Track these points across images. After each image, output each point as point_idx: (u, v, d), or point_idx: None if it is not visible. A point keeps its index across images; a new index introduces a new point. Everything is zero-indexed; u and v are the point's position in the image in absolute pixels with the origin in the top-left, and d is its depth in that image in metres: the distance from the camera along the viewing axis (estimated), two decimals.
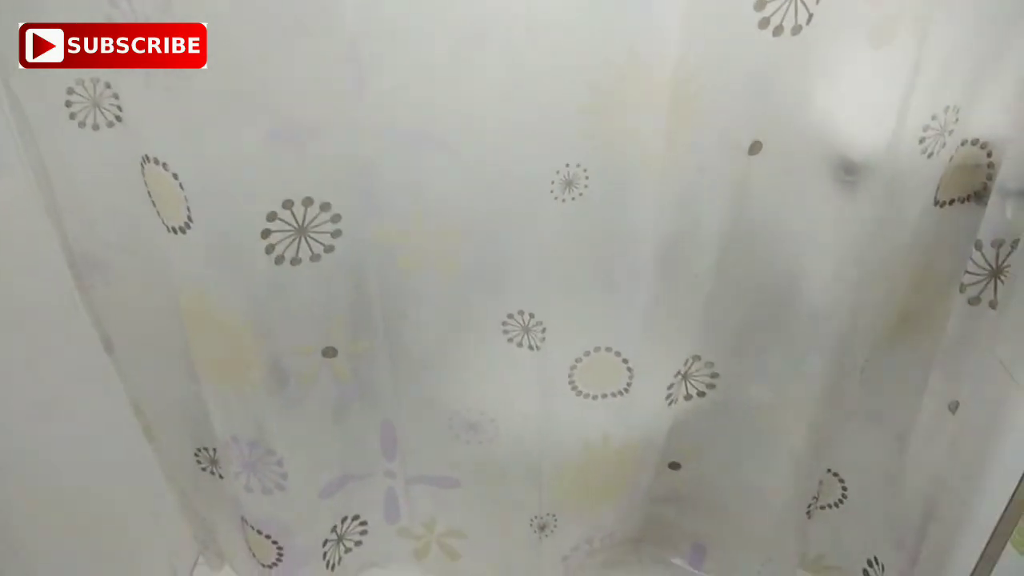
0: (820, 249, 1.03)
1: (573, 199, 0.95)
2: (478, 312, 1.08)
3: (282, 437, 1.16)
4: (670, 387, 1.15)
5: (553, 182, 0.94)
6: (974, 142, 0.95)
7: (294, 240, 1.00)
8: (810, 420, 1.14)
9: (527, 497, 1.25)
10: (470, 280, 1.04)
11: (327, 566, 1.34)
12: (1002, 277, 0.96)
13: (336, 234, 1.01)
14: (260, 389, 1.10)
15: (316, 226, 1.00)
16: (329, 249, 1.02)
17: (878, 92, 0.89)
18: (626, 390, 1.13)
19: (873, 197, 0.95)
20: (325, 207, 0.99)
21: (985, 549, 1.04)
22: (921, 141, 0.90)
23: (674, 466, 1.31)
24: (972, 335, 1.00)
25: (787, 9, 0.83)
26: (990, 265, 0.96)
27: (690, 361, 1.15)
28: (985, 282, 0.97)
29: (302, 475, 1.21)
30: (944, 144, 0.91)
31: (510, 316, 1.07)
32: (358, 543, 1.39)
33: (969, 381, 1.03)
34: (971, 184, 0.98)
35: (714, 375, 1.18)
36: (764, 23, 0.83)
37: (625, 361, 1.10)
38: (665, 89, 0.86)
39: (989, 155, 0.95)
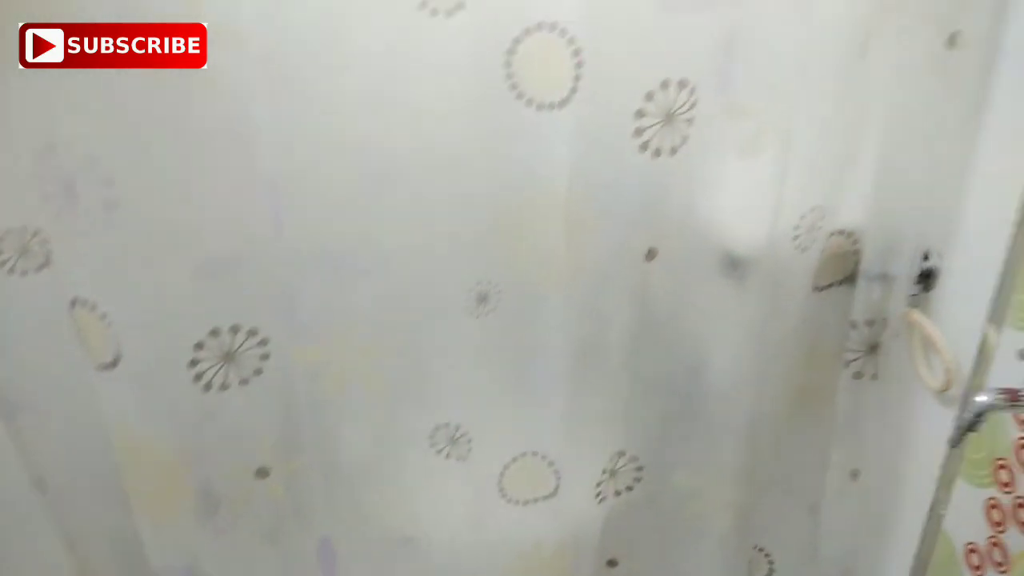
0: (720, 339, 1.12)
1: (487, 313, 1.03)
2: (406, 426, 1.12)
3: (219, 562, 1.15)
4: (599, 485, 1.19)
5: (467, 299, 1.01)
6: (841, 232, 1.06)
7: (222, 367, 1.02)
8: (733, 501, 1.21)
9: None
10: (396, 396, 1.09)
11: None
12: (879, 352, 1.06)
13: (264, 357, 1.04)
14: (193, 515, 1.10)
15: (244, 352, 1.03)
16: (258, 372, 1.05)
17: (753, 197, 1.01)
18: (555, 493, 1.17)
19: (760, 288, 1.05)
20: (252, 333, 1.02)
21: None
22: (795, 239, 1.01)
23: (612, 564, 1.34)
24: (861, 407, 1.10)
25: (662, 133, 0.94)
26: (866, 342, 1.06)
27: (615, 457, 1.20)
28: (865, 357, 1.08)
29: None
30: (815, 239, 1.02)
31: (437, 429, 1.12)
32: None
33: (865, 449, 1.12)
34: (843, 269, 1.09)
35: (639, 468, 1.23)
36: (644, 147, 0.94)
37: (551, 464, 1.15)
38: (562, 208, 0.96)
39: (855, 243, 1.07)
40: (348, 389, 1.09)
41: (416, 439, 1.13)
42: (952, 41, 0.89)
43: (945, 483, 1.00)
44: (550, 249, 0.99)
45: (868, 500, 1.14)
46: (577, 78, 0.88)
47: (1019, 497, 0.86)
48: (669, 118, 0.93)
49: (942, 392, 0.98)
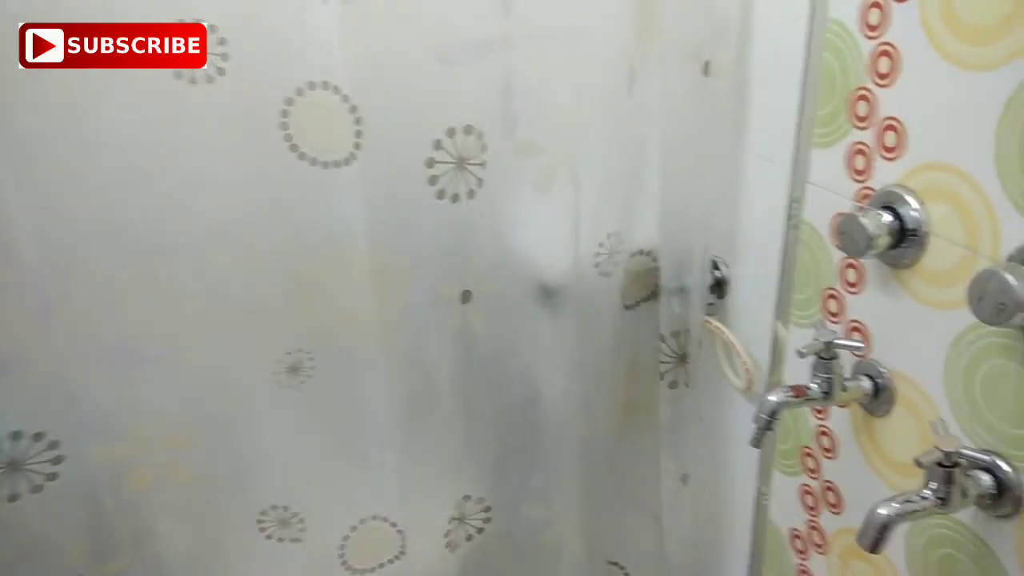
0: (546, 368, 1.13)
1: (302, 383, 0.99)
2: (229, 516, 1.06)
3: None
4: (447, 535, 1.17)
5: (276, 372, 0.97)
6: (641, 252, 1.11)
7: (7, 475, 0.94)
8: (581, 523, 1.22)
9: None
10: (213, 485, 1.03)
11: None
12: (688, 361, 1.12)
13: (57, 461, 0.96)
14: None
15: (32, 457, 0.94)
16: (52, 477, 0.96)
17: (554, 230, 1.03)
18: (402, 553, 1.14)
19: (574, 314, 1.08)
20: (38, 436, 0.94)
21: None
22: (597, 265, 1.04)
23: None
24: (681, 414, 1.15)
25: (457, 179, 0.95)
26: (676, 353, 1.12)
27: (461, 503, 1.19)
28: (676, 367, 1.13)
29: None
30: (617, 263, 1.06)
31: (263, 513, 1.06)
32: None
33: (690, 454, 1.18)
34: (648, 286, 1.14)
35: (487, 509, 1.22)
36: (441, 194, 0.95)
37: (394, 525, 1.12)
38: (365, 264, 0.94)
39: (655, 260, 1.12)
40: (159, 483, 1.01)
41: (243, 527, 1.06)
42: (707, 69, 0.96)
43: (763, 476, 1.06)
44: (360, 308, 0.97)
45: (700, 502, 1.20)
46: (359, 133, 0.87)
47: (826, 481, 0.93)
48: (461, 164, 0.94)
49: (747, 392, 1.04)
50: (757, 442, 0.82)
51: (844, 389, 0.81)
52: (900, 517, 0.66)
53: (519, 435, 1.18)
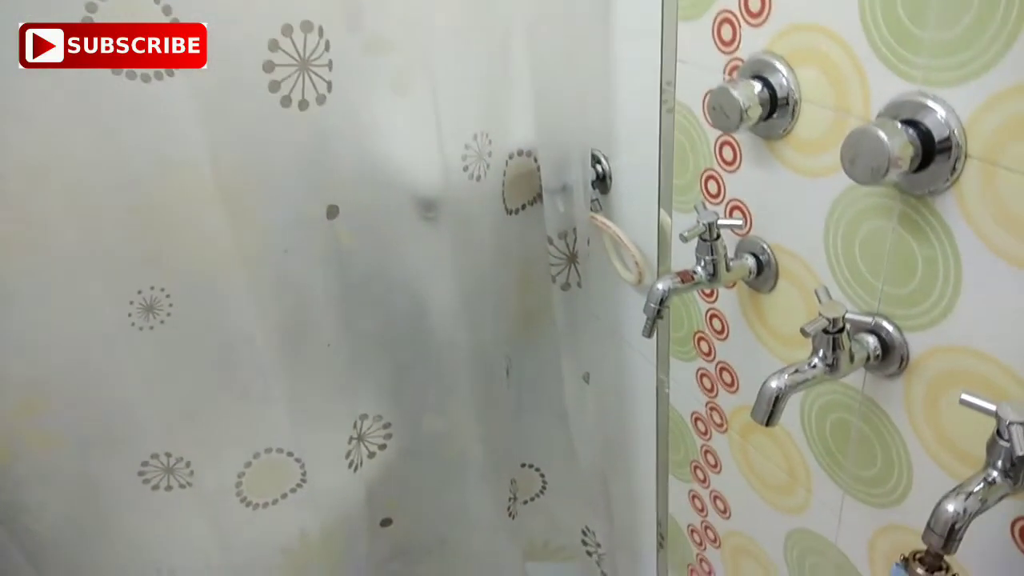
0: (430, 281, 1.08)
1: (161, 323, 0.90)
2: (104, 475, 0.99)
3: None
4: (348, 455, 1.13)
5: (130, 314, 0.88)
6: (520, 153, 1.05)
7: None
8: (480, 432, 1.20)
9: None
10: (81, 445, 0.95)
11: None
12: (578, 261, 1.09)
13: None
14: None
15: None
16: None
17: (416, 135, 0.95)
18: (303, 480, 1.10)
19: (454, 223, 1.02)
20: None
21: (657, 485, 1.19)
22: (465, 169, 0.97)
23: (385, 523, 1.31)
24: (576, 314, 1.13)
25: (302, 83, 0.85)
26: (565, 254, 1.08)
27: (359, 421, 1.15)
28: (567, 268, 1.10)
29: None
30: (488, 165, 1.00)
31: (144, 464, 1.00)
32: None
33: (589, 353, 1.16)
34: (532, 189, 1.09)
35: (387, 425, 1.19)
36: (286, 101, 0.85)
37: (290, 454, 1.07)
38: (211, 188, 0.85)
39: (536, 161, 1.06)
40: (19, 454, 0.93)
41: (123, 482, 1.00)
42: None
43: (662, 365, 1.06)
44: (214, 234, 0.88)
45: (604, 397, 1.19)
46: None
47: (720, 362, 0.93)
48: (304, 65, 0.84)
49: (639, 284, 1.02)
50: (649, 331, 0.80)
51: (729, 269, 0.79)
52: (791, 388, 0.66)
53: (410, 350, 1.14)
